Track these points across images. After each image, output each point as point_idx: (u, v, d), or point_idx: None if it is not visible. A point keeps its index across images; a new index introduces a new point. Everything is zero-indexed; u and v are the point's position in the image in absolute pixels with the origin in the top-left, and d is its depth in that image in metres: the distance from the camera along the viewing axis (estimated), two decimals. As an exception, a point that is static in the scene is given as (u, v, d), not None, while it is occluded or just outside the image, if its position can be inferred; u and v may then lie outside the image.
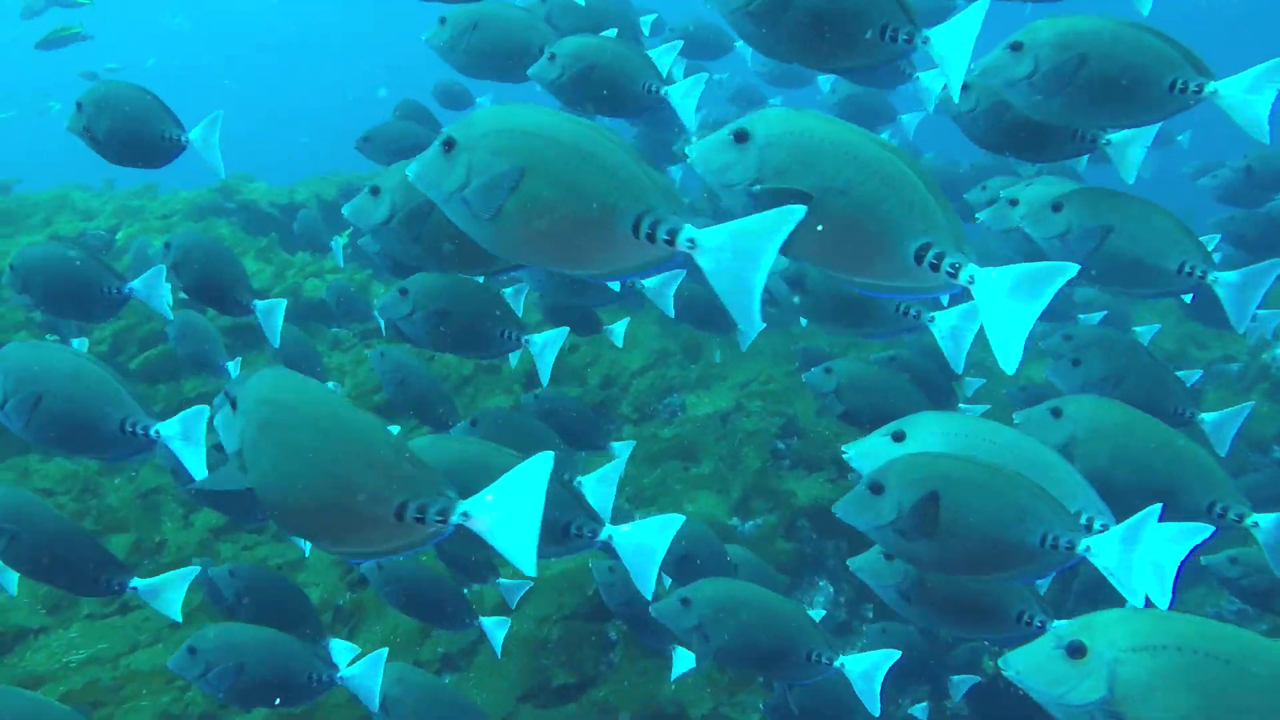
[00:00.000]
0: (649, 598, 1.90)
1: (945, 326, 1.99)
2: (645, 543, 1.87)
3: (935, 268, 1.54)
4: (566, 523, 1.96)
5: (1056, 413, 2.11)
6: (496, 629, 2.90)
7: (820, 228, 1.55)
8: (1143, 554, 1.72)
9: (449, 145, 1.54)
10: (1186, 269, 2.33)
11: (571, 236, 1.52)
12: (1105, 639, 1.38)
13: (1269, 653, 1.34)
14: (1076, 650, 1.37)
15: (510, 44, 3.09)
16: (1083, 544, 1.79)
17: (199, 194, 7.11)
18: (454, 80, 5.08)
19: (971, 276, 1.53)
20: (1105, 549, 1.75)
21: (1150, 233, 2.33)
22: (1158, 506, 1.72)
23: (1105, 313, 3.96)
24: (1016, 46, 2.17)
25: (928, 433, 2.05)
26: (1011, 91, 2.21)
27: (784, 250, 1.48)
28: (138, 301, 2.88)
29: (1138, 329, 3.79)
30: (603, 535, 1.97)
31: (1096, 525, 1.94)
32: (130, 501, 4.27)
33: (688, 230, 1.49)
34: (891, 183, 1.56)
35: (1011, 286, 1.51)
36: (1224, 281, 2.30)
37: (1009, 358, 1.51)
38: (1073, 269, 1.47)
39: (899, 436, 2.11)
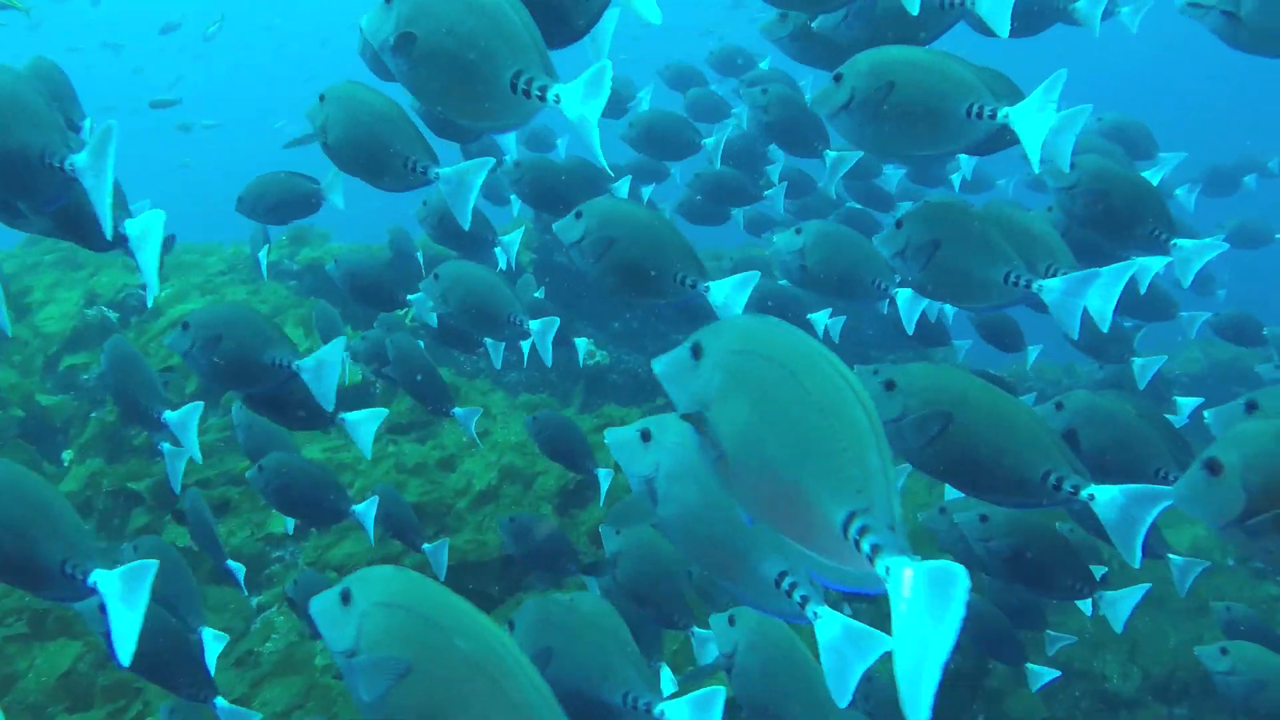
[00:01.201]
0: None
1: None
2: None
3: (857, 544, 1.23)
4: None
5: (890, 385, 2.16)
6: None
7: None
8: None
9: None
10: (1012, 279, 2.47)
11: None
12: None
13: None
14: None
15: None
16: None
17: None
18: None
19: (889, 568, 1.17)
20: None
21: (978, 245, 2.47)
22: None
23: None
24: (838, 77, 2.35)
25: None
26: (834, 121, 2.39)
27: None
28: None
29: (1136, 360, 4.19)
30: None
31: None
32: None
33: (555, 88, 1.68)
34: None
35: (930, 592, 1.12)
36: (1049, 289, 2.43)
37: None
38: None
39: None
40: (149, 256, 2.11)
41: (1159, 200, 2.90)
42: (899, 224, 2.55)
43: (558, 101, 1.82)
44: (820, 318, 4.42)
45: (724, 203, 5.23)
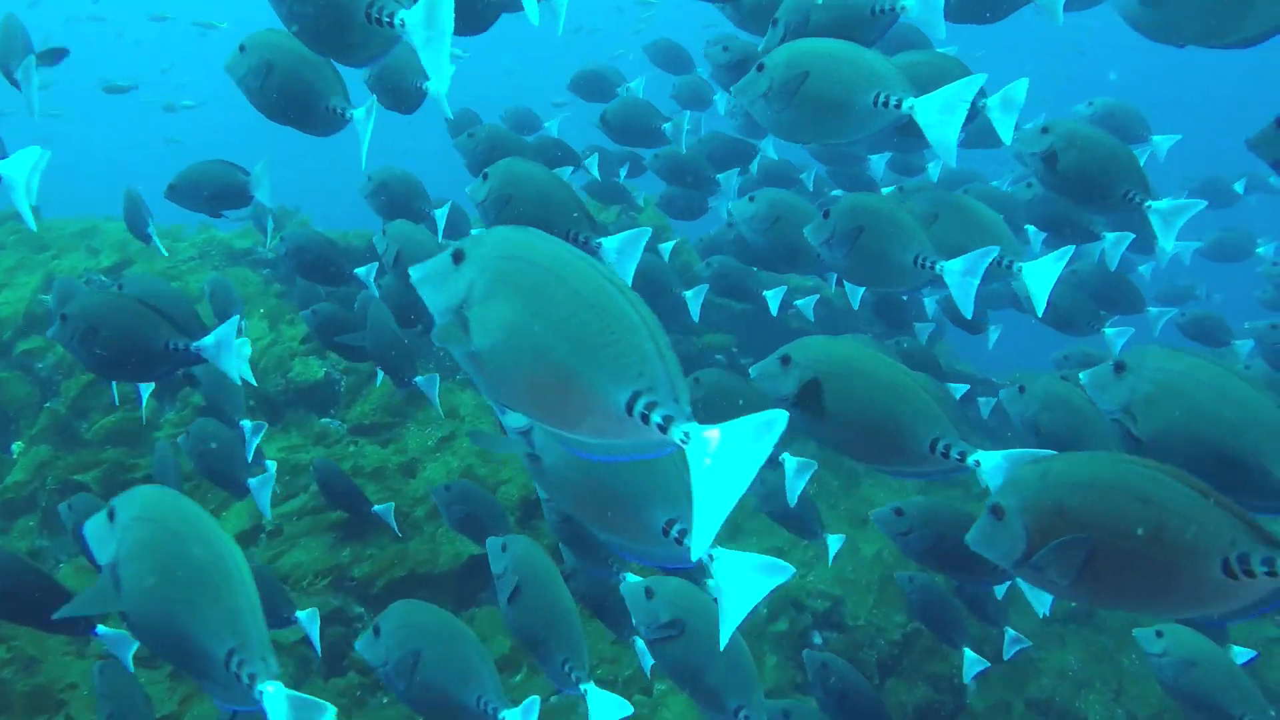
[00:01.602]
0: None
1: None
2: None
3: (645, 419, 1.30)
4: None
5: (785, 360, 2.22)
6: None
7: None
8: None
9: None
10: (920, 261, 2.63)
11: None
12: None
13: None
14: None
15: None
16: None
17: (237, 235, 7.11)
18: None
19: (686, 434, 1.28)
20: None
21: (894, 230, 2.63)
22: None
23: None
24: (760, 67, 2.49)
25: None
26: (754, 108, 2.52)
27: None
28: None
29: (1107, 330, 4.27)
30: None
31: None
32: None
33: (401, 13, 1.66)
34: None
35: (732, 445, 1.26)
36: (949, 270, 2.58)
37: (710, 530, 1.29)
38: (780, 420, 1.24)
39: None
40: None
41: (1133, 161, 2.94)
42: (826, 214, 2.71)
43: (404, 25, 2.05)
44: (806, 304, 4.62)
45: (683, 184, 5.32)
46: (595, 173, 5.39)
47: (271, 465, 4.09)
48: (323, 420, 5.72)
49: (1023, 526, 1.78)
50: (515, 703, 2.17)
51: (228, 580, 1.64)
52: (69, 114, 11.28)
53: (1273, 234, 6.07)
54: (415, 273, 1.48)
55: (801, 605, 4.45)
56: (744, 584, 1.46)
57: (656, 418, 1.29)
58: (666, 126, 4.91)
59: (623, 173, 5.89)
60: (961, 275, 2.53)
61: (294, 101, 2.79)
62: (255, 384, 2.87)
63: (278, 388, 5.67)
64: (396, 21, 2.06)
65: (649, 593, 2.32)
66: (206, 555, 1.66)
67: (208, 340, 2.57)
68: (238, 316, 2.80)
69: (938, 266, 2.59)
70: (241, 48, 2.78)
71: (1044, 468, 1.81)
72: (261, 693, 1.59)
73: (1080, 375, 2.20)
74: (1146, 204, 2.86)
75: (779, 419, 1.24)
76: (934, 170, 4.70)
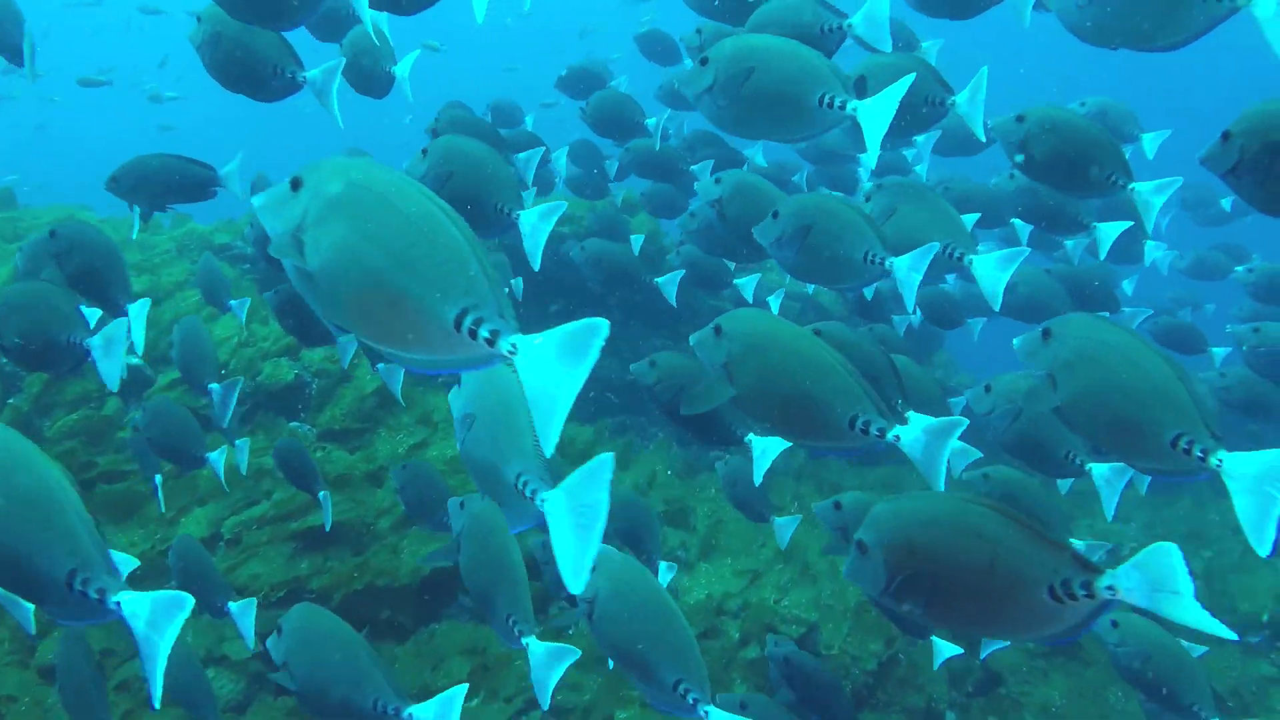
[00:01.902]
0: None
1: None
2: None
3: (473, 334, 1.42)
4: None
5: (718, 330, 2.33)
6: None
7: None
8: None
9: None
10: (869, 258, 2.68)
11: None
12: None
13: None
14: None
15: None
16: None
17: (214, 229, 7.04)
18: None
19: (514, 345, 1.41)
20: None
21: (842, 227, 2.69)
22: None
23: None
24: (704, 61, 2.51)
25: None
26: (698, 101, 2.55)
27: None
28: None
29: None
30: None
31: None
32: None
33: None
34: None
35: (559, 351, 1.38)
36: (898, 266, 2.66)
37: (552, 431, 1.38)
38: (603, 327, 1.36)
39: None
40: None
41: (1113, 144, 2.99)
42: (775, 214, 2.77)
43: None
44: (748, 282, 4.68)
45: (655, 178, 5.45)
46: (563, 167, 5.38)
47: (244, 443, 4.26)
48: (291, 424, 5.58)
49: (883, 560, 1.92)
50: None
51: (57, 505, 1.63)
52: (64, 101, 11.22)
53: (1264, 249, 6.04)
54: (257, 200, 1.55)
55: (775, 631, 4.26)
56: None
57: (484, 332, 1.41)
58: (650, 122, 4.94)
59: (612, 169, 5.75)
60: (908, 271, 2.62)
61: (243, 69, 2.91)
62: (115, 390, 2.91)
63: (245, 390, 5.49)
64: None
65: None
66: (32, 482, 1.63)
67: (96, 340, 2.64)
68: (125, 320, 2.85)
69: (887, 263, 2.66)
70: (198, 19, 2.92)
71: (897, 506, 1.97)
72: (118, 603, 1.59)
73: (1014, 340, 2.33)
74: (1130, 186, 2.93)
75: (601, 326, 1.35)
76: (922, 170, 4.71)
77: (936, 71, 2.99)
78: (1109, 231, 3.60)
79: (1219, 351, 5.03)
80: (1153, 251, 4.90)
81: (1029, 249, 2.91)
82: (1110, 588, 1.73)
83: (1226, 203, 6.12)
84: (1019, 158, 3.03)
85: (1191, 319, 6.50)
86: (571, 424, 6.26)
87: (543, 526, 1.72)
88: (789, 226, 2.70)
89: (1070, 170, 2.96)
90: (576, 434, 5.73)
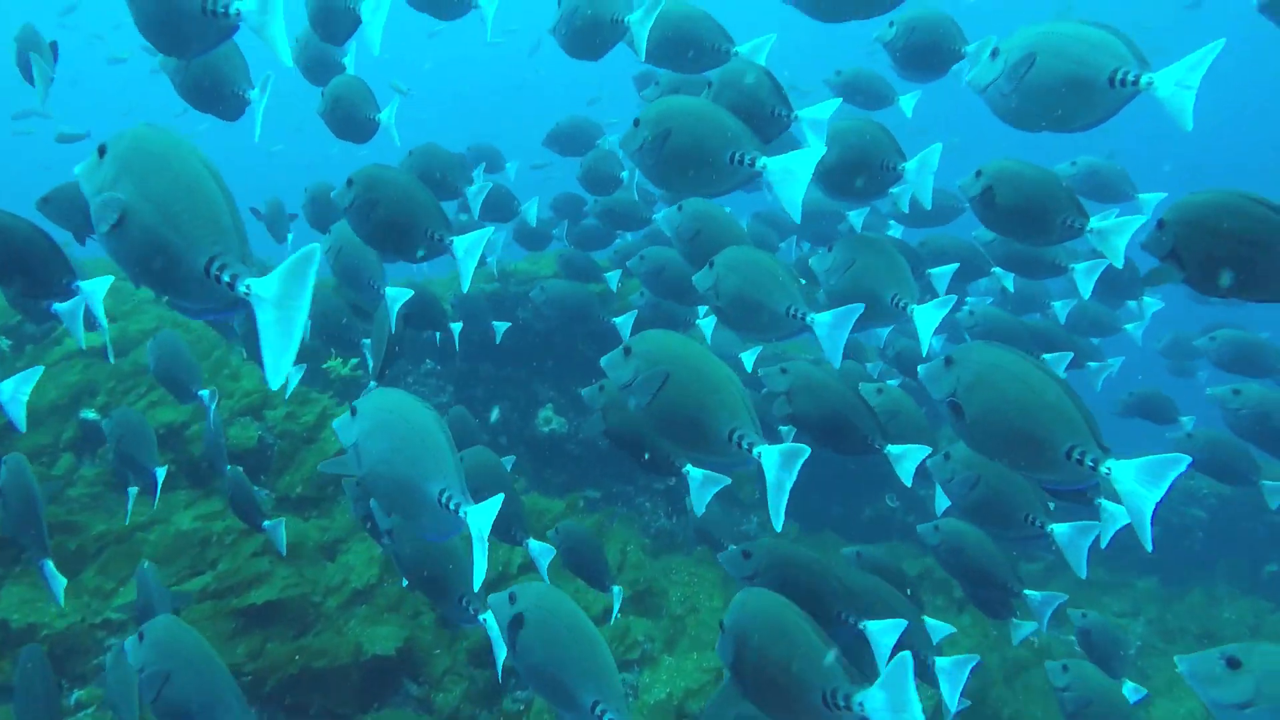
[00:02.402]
0: None
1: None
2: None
3: (218, 279, 1.73)
4: None
5: (627, 351, 2.48)
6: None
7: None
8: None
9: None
10: (791, 311, 2.84)
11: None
12: None
13: None
14: None
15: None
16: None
17: None
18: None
19: (248, 286, 1.70)
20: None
21: (769, 282, 2.84)
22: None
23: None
24: (636, 122, 2.75)
25: None
26: (634, 159, 2.76)
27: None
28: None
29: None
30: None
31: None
32: None
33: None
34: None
35: (281, 285, 1.69)
36: (819, 322, 2.82)
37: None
38: (314, 252, 1.72)
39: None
40: None
41: (1066, 190, 3.11)
42: (711, 264, 2.92)
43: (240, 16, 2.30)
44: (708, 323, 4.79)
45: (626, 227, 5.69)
46: (532, 219, 5.50)
47: (209, 395, 4.20)
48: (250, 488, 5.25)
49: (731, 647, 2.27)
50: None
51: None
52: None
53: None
54: (77, 169, 1.84)
55: (684, 714, 3.90)
56: None
57: (225, 276, 1.69)
58: (625, 174, 5.12)
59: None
60: (830, 327, 2.79)
61: (204, 90, 3.21)
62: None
63: (202, 455, 5.18)
64: (233, 11, 2.28)
65: (512, 598, 2.46)
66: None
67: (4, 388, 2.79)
68: (31, 374, 2.84)
69: (808, 318, 2.82)
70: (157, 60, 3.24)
71: (740, 599, 2.30)
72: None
73: (919, 369, 2.50)
74: (1089, 227, 3.04)
75: (313, 251, 1.66)
76: (895, 229, 4.88)
77: (893, 138, 3.17)
78: (1086, 273, 3.67)
79: (1187, 421, 4.90)
80: (1140, 313, 4.95)
81: (954, 296, 3.09)
82: (860, 703, 2.01)
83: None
84: (982, 211, 3.18)
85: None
86: (544, 496, 5.96)
87: (465, 539, 2.12)
88: (724, 284, 2.87)
89: (1029, 219, 3.09)
90: (548, 507, 5.42)
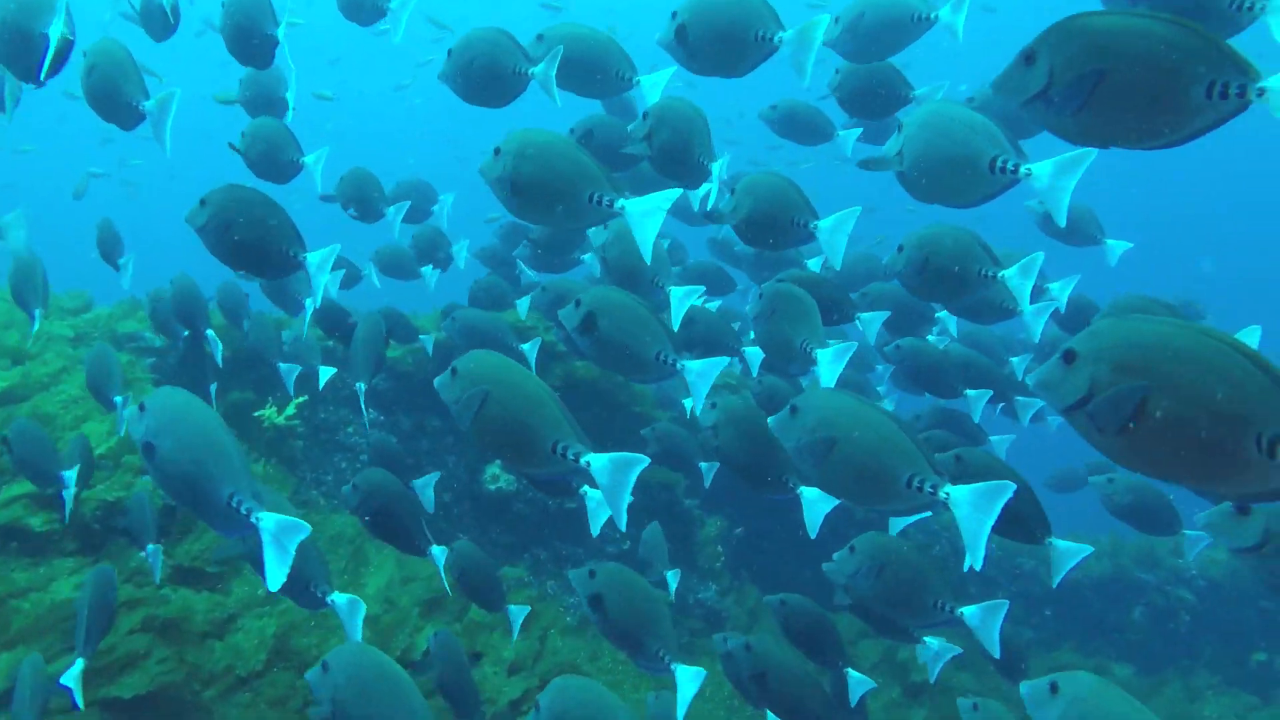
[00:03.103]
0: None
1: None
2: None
3: None
4: None
5: (454, 372, 2.59)
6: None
7: None
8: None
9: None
10: (661, 357, 2.89)
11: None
12: None
13: None
14: None
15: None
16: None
17: (118, 313, 6.46)
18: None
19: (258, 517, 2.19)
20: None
21: (637, 327, 2.87)
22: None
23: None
24: (497, 150, 2.80)
25: None
26: (500, 197, 2.82)
27: None
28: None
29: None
30: None
31: None
32: None
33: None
34: None
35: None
36: (689, 369, 2.87)
37: None
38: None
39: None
40: None
41: (979, 243, 3.25)
42: (577, 303, 2.94)
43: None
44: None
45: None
46: (461, 263, 5.57)
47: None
48: (143, 554, 4.66)
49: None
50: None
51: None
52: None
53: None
54: (127, 414, 2.36)
55: None
56: None
57: (243, 509, 2.14)
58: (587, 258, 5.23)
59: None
60: (697, 375, 2.84)
61: (102, 100, 3.24)
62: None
63: (94, 513, 4.53)
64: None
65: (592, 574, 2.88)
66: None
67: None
68: None
69: (678, 365, 2.88)
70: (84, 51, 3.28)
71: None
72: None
73: (769, 420, 2.66)
74: (999, 275, 3.21)
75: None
76: (814, 263, 4.72)
77: (804, 196, 3.24)
78: (1035, 314, 3.74)
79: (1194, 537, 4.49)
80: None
81: (856, 344, 3.15)
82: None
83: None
84: (909, 282, 3.33)
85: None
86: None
87: (253, 545, 2.29)
88: (580, 316, 2.90)
89: (951, 279, 3.23)
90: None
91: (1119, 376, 1.71)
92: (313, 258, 3.01)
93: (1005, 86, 2.21)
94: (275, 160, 3.90)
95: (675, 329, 3.57)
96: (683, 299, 3.39)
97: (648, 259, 2.65)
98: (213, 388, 5.33)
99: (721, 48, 3.05)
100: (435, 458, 6.58)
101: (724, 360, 2.86)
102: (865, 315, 3.96)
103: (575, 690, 2.48)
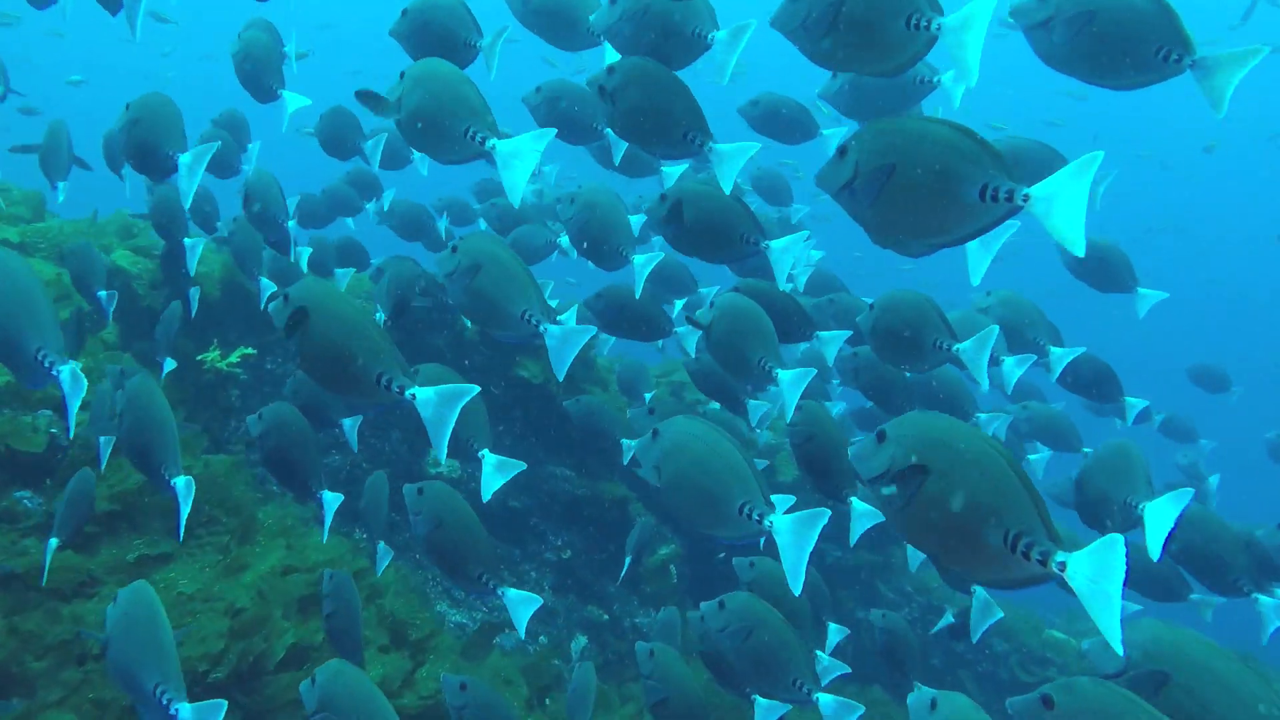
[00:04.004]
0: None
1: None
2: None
3: None
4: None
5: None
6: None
7: None
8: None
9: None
10: (525, 316, 2.83)
11: None
12: None
13: None
14: None
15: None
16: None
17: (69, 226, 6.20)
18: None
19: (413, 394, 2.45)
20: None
21: (506, 279, 2.83)
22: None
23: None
24: (402, 75, 2.86)
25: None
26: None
27: None
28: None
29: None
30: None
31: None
32: None
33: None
34: None
35: None
36: (550, 333, 2.81)
37: None
38: None
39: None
40: None
41: (938, 315, 3.33)
42: (454, 249, 2.92)
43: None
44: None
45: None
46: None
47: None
48: (19, 494, 4.21)
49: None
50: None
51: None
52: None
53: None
54: (272, 306, 2.50)
55: None
56: None
57: (394, 386, 2.38)
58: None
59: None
60: (559, 340, 2.77)
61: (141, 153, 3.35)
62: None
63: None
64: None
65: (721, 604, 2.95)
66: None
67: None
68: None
69: (542, 327, 2.81)
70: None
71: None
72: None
73: (630, 443, 2.95)
74: (954, 348, 3.28)
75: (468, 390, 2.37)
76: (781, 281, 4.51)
77: (754, 216, 3.21)
78: (1018, 364, 3.76)
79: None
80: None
81: (814, 370, 3.11)
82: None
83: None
84: (871, 343, 3.44)
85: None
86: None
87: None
88: (462, 263, 2.88)
89: (907, 347, 3.29)
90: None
91: (909, 461, 1.94)
92: (184, 158, 3.14)
93: (823, 178, 2.31)
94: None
95: (638, 295, 3.67)
96: (644, 265, 3.40)
97: (515, 202, 2.63)
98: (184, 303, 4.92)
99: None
100: (380, 433, 6.16)
101: (591, 330, 2.83)
102: (825, 334, 3.95)
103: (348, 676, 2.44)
